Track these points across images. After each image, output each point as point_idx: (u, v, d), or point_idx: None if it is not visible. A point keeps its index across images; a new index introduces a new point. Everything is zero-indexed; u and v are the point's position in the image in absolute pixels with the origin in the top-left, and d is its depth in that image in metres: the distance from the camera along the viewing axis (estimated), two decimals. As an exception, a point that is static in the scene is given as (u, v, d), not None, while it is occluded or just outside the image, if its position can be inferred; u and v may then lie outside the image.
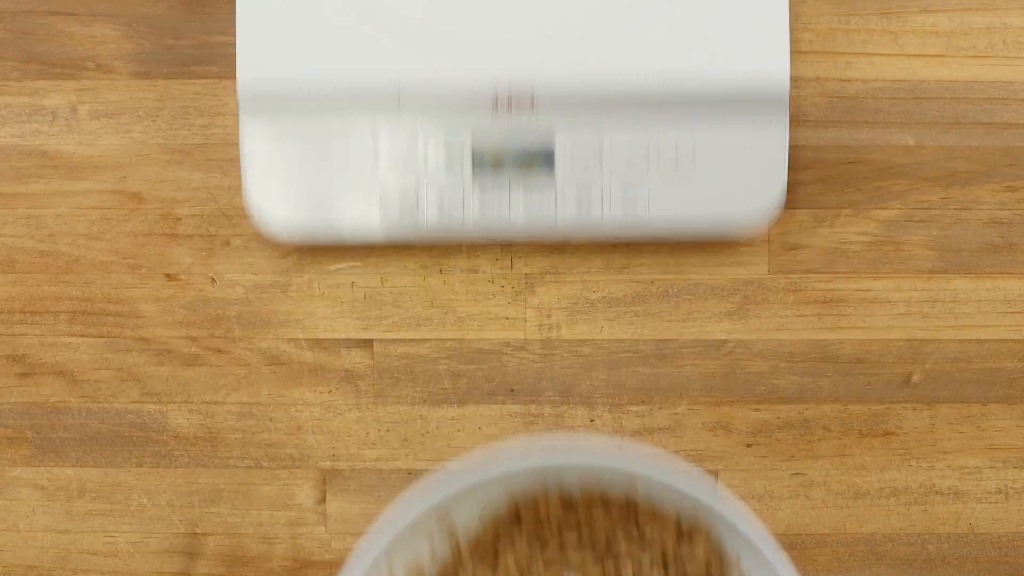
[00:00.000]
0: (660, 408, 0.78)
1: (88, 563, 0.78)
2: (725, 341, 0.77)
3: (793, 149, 0.77)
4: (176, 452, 0.78)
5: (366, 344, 0.77)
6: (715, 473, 0.78)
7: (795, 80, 0.76)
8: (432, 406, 0.78)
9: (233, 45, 0.76)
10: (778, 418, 0.77)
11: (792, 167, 0.77)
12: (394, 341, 0.77)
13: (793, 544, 0.78)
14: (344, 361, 0.77)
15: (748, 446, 0.78)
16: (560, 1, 0.73)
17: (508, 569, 0.66)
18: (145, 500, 0.78)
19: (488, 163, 0.73)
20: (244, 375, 0.77)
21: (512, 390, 0.78)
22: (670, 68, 0.72)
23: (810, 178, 0.77)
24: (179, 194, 0.77)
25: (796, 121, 0.77)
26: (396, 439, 0.78)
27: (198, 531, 0.78)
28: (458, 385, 0.78)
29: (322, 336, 0.77)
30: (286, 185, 0.73)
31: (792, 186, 0.77)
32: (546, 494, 0.67)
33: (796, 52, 0.76)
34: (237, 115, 0.76)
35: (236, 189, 0.77)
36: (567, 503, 0.67)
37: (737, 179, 0.73)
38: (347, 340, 0.77)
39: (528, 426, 0.78)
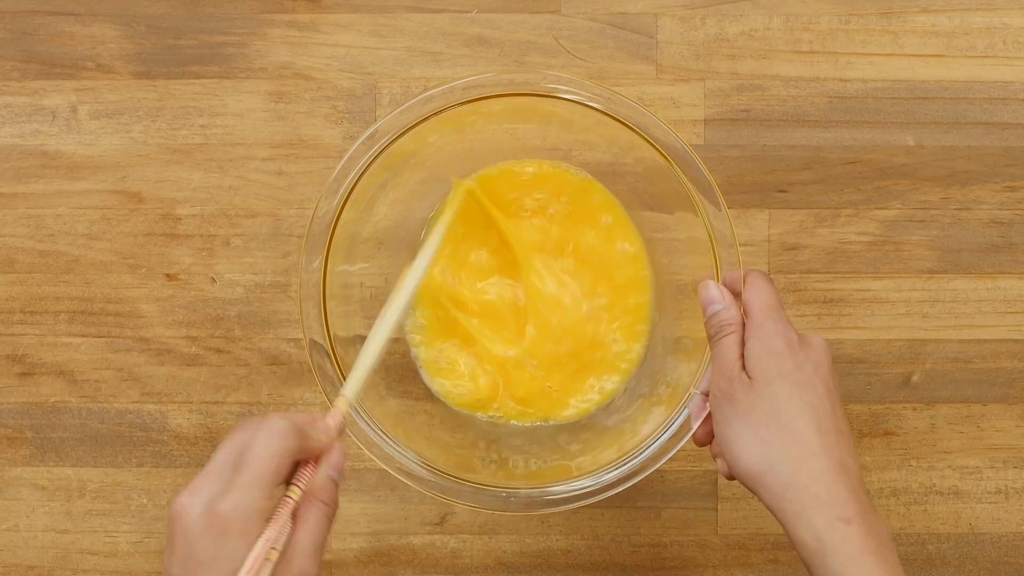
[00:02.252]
0: (660, 408, 0.77)
1: (88, 563, 0.78)
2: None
3: (793, 149, 0.77)
4: (176, 452, 0.78)
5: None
6: (715, 473, 0.78)
7: (795, 80, 0.76)
8: (432, 403, 0.77)
9: (233, 45, 0.76)
10: (778, 418, 0.77)
11: (792, 167, 0.77)
12: (395, 341, 0.77)
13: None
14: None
15: (748, 446, 0.77)
16: None
17: None
18: (145, 500, 0.78)
19: None
20: (244, 375, 0.77)
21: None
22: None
23: (810, 178, 0.77)
24: (179, 194, 0.77)
25: (796, 121, 0.77)
26: (396, 439, 0.78)
27: (198, 531, 0.78)
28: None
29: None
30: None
31: (792, 186, 0.77)
32: None
33: (796, 52, 0.76)
34: (237, 115, 0.76)
35: (236, 189, 0.77)
36: None
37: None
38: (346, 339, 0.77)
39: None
